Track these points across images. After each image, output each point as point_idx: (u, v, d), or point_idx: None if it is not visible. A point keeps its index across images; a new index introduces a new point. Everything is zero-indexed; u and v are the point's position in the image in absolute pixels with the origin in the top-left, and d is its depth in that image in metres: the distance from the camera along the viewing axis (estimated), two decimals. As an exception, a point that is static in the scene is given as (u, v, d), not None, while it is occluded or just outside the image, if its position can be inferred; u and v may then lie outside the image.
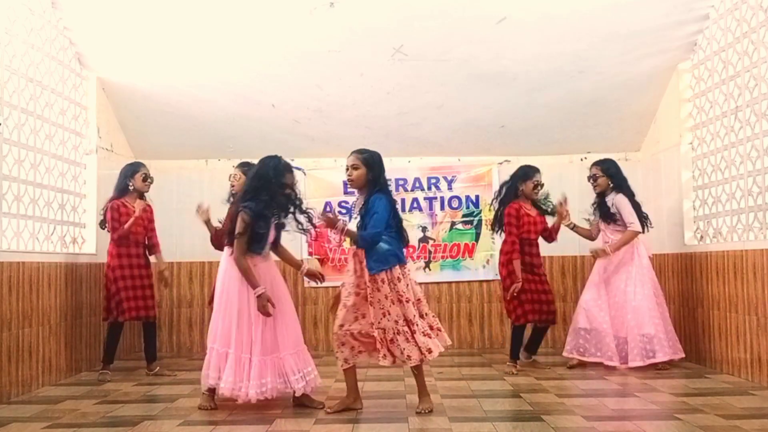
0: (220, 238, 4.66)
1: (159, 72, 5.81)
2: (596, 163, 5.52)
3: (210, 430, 3.60)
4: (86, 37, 5.52)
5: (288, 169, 4.10)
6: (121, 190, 5.23)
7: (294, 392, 4.04)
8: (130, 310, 5.15)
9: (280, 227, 4.15)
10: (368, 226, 3.84)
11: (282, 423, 3.72)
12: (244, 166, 5.03)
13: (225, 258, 4.18)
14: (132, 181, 5.23)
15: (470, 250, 6.69)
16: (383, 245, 3.84)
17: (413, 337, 3.82)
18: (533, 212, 5.35)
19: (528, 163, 5.54)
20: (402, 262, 3.92)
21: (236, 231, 3.92)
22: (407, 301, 3.84)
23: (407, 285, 3.89)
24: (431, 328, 3.94)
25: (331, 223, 3.82)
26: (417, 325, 3.84)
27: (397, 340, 3.82)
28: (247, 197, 3.99)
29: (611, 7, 5.11)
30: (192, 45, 5.49)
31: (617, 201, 5.34)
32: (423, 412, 3.83)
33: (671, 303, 5.85)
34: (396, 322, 3.82)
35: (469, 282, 6.68)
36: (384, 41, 5.42)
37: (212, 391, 4.06)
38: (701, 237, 5.56)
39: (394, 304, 3.82)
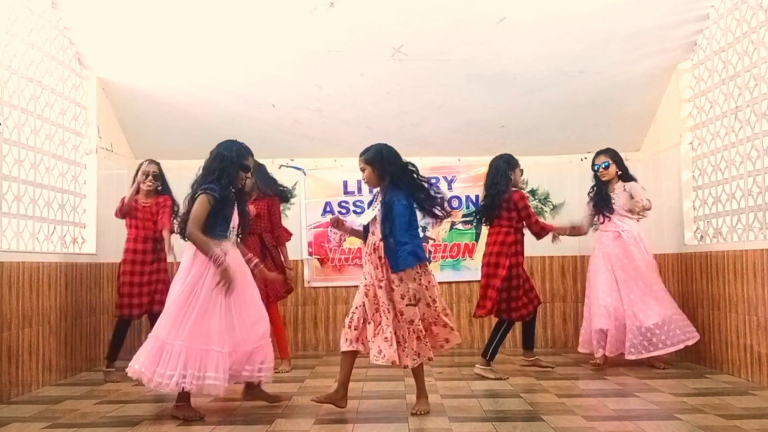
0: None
1: (159, 72, 5.80)
2: (603, 152, 5.49)
3: (210, 430, 3.60)
4: (86, 37, 5.52)
5: (249, 152, 4.06)
6: (135, 188, 5.30)
7: (246, 384, 4.02)
8: (139, 306, 5.19)
9: (245, 215, 4.08)
10: (389, 236, 3.77)
11: (282, 423, 3.72)
12: None
13: (188, 252, 3.92)
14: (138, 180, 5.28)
15: (470, 250, 6.69)
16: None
17: (425, 338, 3.87)
18: None
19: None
20: (422, 260, 3.89)
21: (193, 211, 3.78)
22: (423, 302, 3.86)
23: (427, 284, 3.91)
24: (445, 326, 4.00)
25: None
26: (414, 326, 3.84)
27: (408, 340, 3.83)
28: (208, 179, 3.89)
29: (611, 7, 5.11)
30: (192, 45, 5.49)
31: (633, 189, 5.33)
32: (419, 413, 3.83)
33: (671, 303, 5.86)
34: (411, 322, 3.83)
35: (469, 282, 6.68)
36: (384, 41, 5.42)
37: (188, 397, 3.87)
38: (701, 237, 5.56)
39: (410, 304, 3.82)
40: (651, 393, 4.35)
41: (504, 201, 5.16)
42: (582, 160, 6.63)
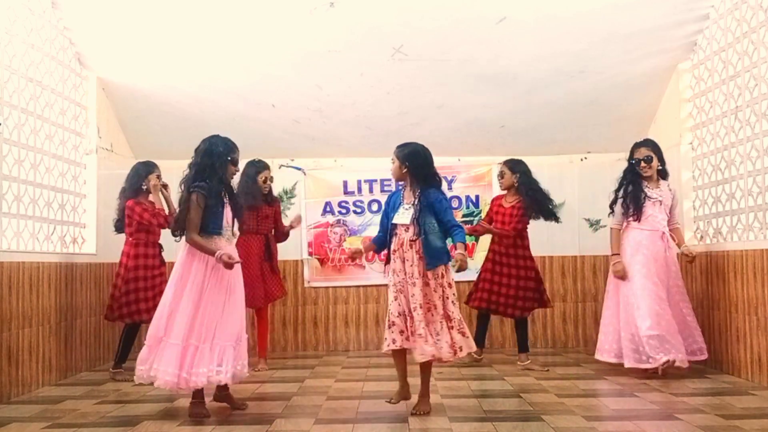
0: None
1: (159, 72, 5.80)
2: (644, 144, 5.10)
3: (210, 429, 3.60)
4: (86, 37, 5.52)
5: (236, 146, 4.03)
6: (136, 189, 5.17)
7: (219, 384, 3.92)
8: (148, 311, 5.10)
9: (239, 209, 4.08)
10: (448, 220, 3.92)
11: (282, 423, 3.72)
12: None
13: (183, 248, 3.99)
14: (146, 182, 5.19)
15: (470, 250, 6.68)
16: (438, 242, 3.90)
17: (449, 333, 3.87)
18: (507, 204, 5.53)
19: (528, 162, 5.56)
20: (450, 260, 3.97)
21: (188, 212, 3.82)
22: (447, 298, 3.91)
23: (449, 283, 3.94)
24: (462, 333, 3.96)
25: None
26: (453, 321, 3.89)
27: (441, 334, 3.85)
28: (197, 177, 3.89)
29: (611, 7, 5.11)
30: (192, 45, 5.49)
31: (679, 197, 5.21)
32: (419, 413, 3.83)
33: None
34: (448, 318, 3.88)
35: (469, 282, 6.65)
36: (384, 41, 5.42)
37: (202, 394, 3.89)
38: (701, 237, 5.56)
39: (440, 299, 3.88)
40: (651, 393, 4.35)
41: None
42: (582, 160, 6.63)
